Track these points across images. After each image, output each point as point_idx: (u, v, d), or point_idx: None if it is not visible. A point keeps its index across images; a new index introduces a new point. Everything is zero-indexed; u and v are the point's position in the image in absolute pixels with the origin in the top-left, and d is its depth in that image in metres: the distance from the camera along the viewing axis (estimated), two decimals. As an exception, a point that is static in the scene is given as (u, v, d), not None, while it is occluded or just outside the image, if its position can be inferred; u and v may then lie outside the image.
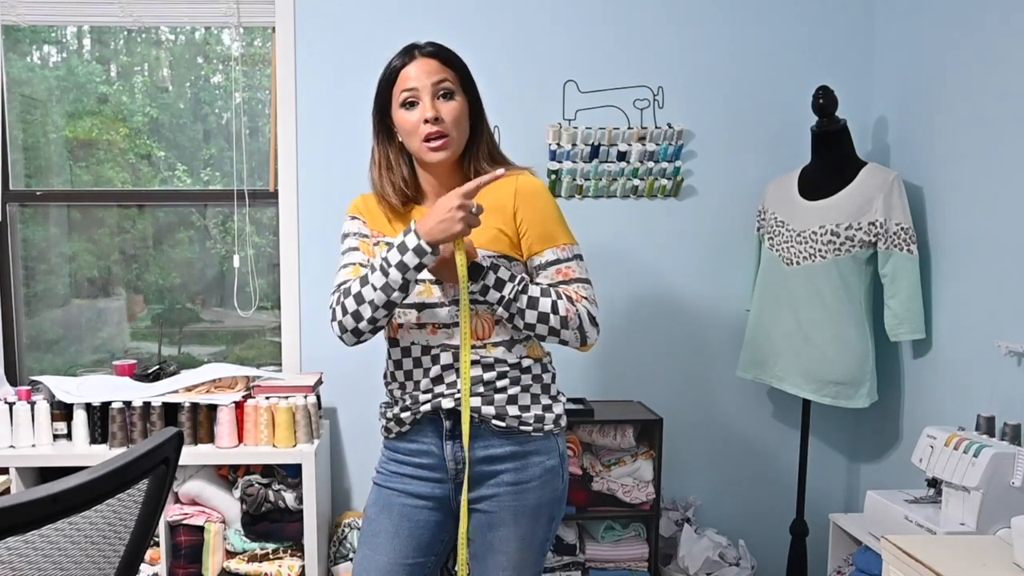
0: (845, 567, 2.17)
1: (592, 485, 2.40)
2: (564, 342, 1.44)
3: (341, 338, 1.44)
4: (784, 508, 2.70)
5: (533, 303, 1.39)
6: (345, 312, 1.41)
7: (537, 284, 1.43)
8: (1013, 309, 1.95)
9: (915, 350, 2.35)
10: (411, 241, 1.35)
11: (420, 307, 1.45)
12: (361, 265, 1.48)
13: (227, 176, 2.72)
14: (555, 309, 1.40)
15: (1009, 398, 1.94)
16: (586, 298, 1.45)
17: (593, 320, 1.44)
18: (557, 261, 1.45)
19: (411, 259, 1.35)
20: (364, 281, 1.39)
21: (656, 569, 2.44)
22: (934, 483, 1.92)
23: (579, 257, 1.48)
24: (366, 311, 1.39)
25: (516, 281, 1.39)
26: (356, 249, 1.51)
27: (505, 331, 1.44)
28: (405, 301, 1.42)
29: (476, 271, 1.38)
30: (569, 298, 1.42)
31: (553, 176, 2.57)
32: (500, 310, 1.39)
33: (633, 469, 2.41)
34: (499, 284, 1.38)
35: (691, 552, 2.46)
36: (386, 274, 1.36)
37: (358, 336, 1.43)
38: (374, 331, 1.43)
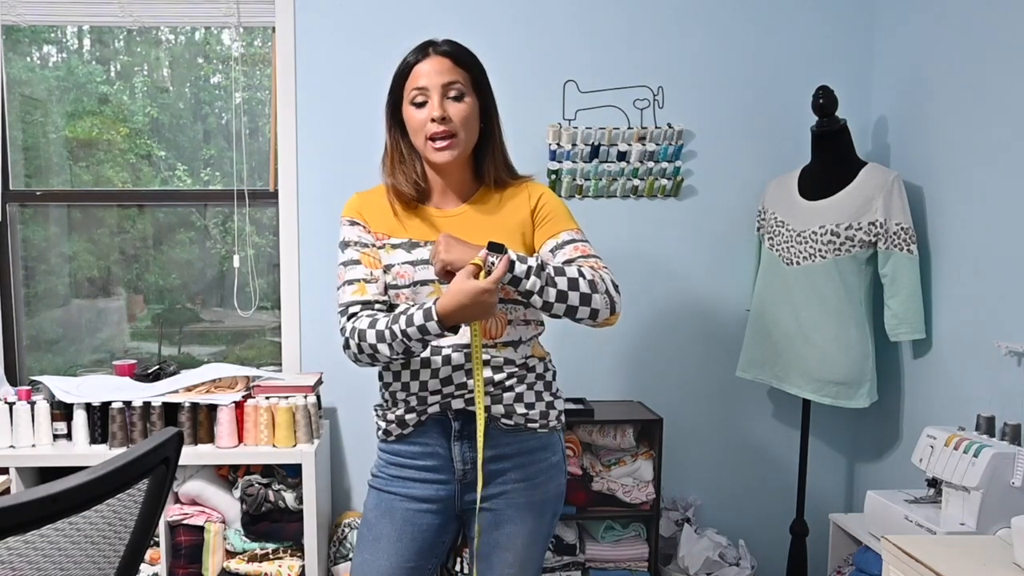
0: (845, 567, 2.17)
1: (592, 485, 2.40)
2: (594, 311, 1.38)
3: (355, 363, 1.46)
4: (784, 508, 2.70)
5: (560, 271, 1.36)
6: (362, 351, 1.41)
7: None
8: (1013, 309, 1.95)
9: (915, 350, 2.35)
10: (433, 328, 1.33)
11: None
12: (366, 281, 1.45)
13: (227, 176, 2.72)
14: (582, 274, 1.38)
15: (1009, 398, 1.94)
16: (605, 268, 1.45)
17: (616, 287, 1.42)
18: (574, 240, 1.48)
19: (434, 328, 1.33)
20: (381, 337, 1.37)
21: (656, 569, 2.44)
22: (934, 483, 1.92)
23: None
24: (383, 356, 1.39)
25: (534, 258, 1.35)
26: (358, 263, 1.47)
27: (515, 331, 1.45)
28: (415, 303, 1.43)
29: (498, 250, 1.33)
30: (591, 267, 1.43)
31: (553, 176, 2.57)
32: (531, 280, 1.32)
33: (633, 469, 2.41)
34: (522, 259, 1.33)
35: (691, 552, 2.46)
36: (406, 342, 1.35)
37: (374, 366, 1.46)
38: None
